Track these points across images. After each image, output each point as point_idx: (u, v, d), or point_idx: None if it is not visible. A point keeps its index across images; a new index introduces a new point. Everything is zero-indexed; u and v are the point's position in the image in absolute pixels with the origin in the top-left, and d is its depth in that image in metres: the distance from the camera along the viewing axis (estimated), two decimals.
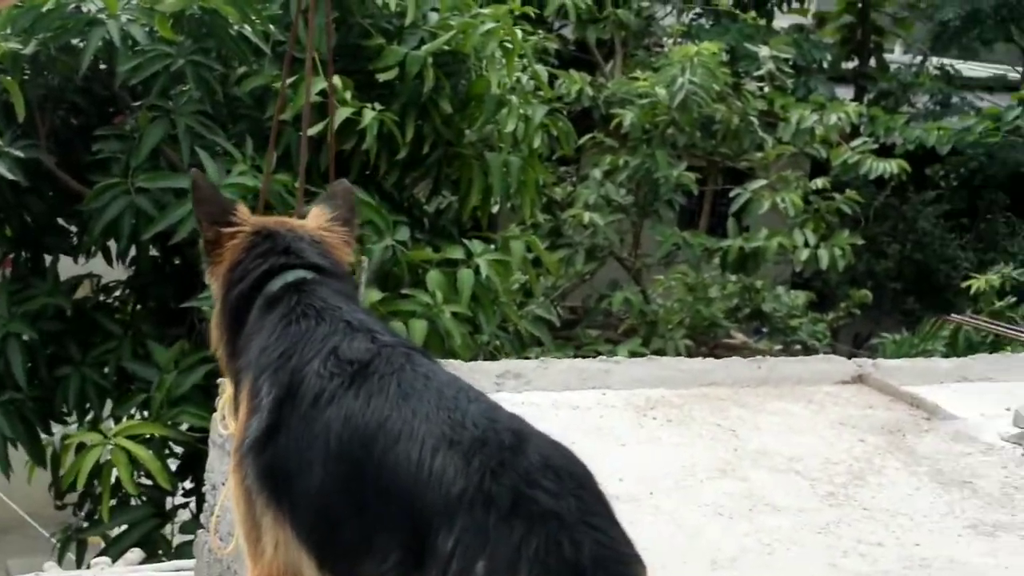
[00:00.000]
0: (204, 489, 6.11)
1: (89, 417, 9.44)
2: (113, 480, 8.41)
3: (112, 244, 9.47)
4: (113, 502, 8.88)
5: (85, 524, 9.31)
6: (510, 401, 5.94)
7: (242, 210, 3.70)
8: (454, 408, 2.96)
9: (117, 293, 10.25)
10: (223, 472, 5.70)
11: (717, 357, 12.31)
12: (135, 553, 7.73)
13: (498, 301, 9.42)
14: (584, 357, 11.27)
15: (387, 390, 3.02)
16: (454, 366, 6.17)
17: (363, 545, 2.90)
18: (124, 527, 9.00)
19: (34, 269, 9.71)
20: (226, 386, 5.61)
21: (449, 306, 8.68)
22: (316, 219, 3.78)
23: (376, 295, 8.51)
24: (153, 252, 9.72)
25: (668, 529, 4.88)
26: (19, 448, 9.30)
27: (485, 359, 9.38)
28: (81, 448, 8.48)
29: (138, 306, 10.12)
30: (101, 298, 10.14)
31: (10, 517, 12.95)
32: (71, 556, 9.44)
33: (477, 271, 9.01)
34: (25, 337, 9.07)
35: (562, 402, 6.03)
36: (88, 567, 7.88)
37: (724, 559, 4.70)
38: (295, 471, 3.06)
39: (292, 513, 3.08)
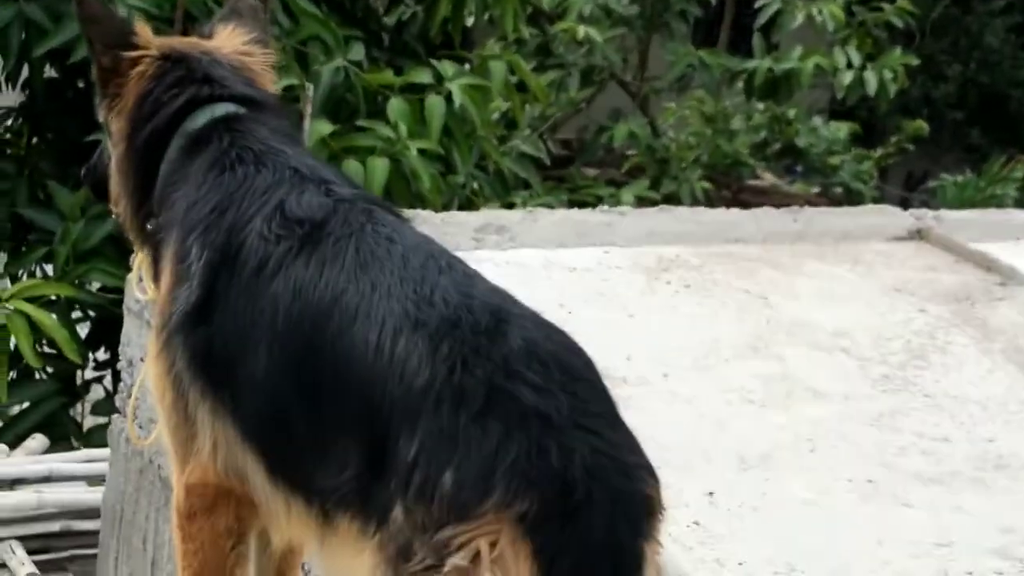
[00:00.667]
0: (120, 365, 6.00)
1: None
2: (12, 350, 8.28)
3: None
4: (12, 375, 8.78)
5: (3, 394, 9.17)
6: (492, 260, 5.84)
7: (143, 30, 3.47)
8: (421, 280, 2.81)
9: (8, 123, 10.03)
10: (142, 347, 5.59)
11: (742, 202, 12.26)
12: (37, 440, 7.62)
13: (475, 135, 9.25)
14: (580, 201, 11.19)
15: (343, 257, 2.87)
16: (424, 218, 6.05)
17: (318, 449, 2.78)
18: (25, 404, 8.88)
19: None
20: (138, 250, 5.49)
21: (415, 141, 8.51)
22: (229, 40, 3.57)
23: (326, 128, 8.33)
24: (50, 73, 9.49)
25: (687, 419, 4.79)
26: None
27: (460, 206, 9.25)
28: None
29: (34, 139, 9.92)
30: None
31: None
32: None
33: (449, 98, 8.83)
34: None
35: (555, 262, 5.91)
36: None
37: (754, 456, 4.61)
38: (236, 355, 2.92)
39: (235, 407, 2.95)
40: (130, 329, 5.84)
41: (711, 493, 4.35)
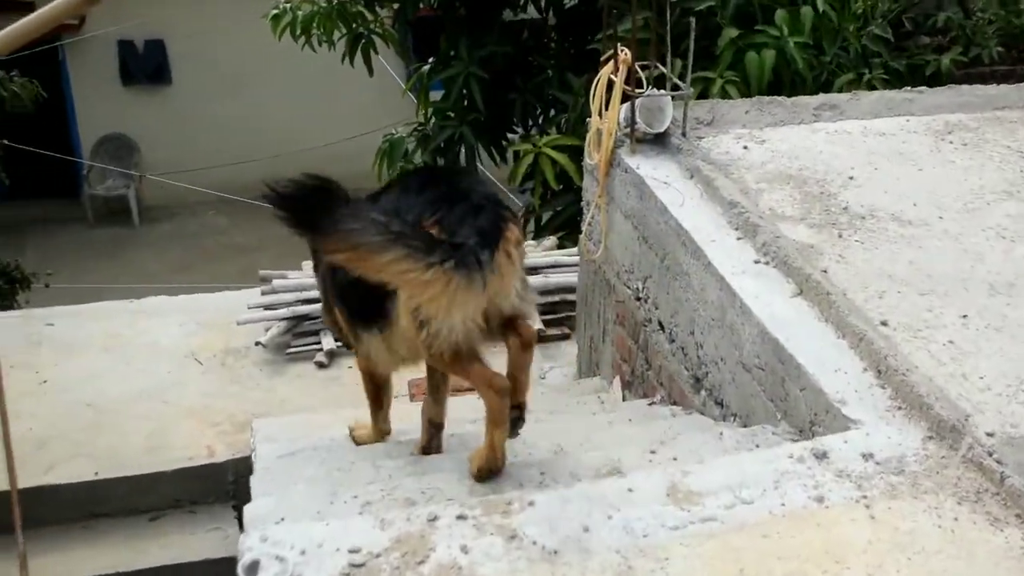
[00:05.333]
0: (582, 204, 5.32)
1: (532, 130, 8.86)
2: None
3: None
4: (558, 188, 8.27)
5: (537, 204, 8.66)
6: (825, 130, 4.87)
7: None
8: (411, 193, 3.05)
9: (551, 35, 9.37)
10: (593, 191, 4.91)
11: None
12: (550, 240, 7.05)
13: (835, 28, 8.04)
14: (914, 64, 9.73)
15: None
16: (779, 102, 5.10)
17: None
18: (558, 209, 8.32)
19: (485, 24, 8.91)
20: (592, 123, 4.79)
21: (794, 37, 7.43)
22: None
23: (733, 32, 7.35)
24: (572, 2, 8.79)
25: (953, 253, 3.76)
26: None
27: (828, 75, 8.12)
28: (518, 155, 7.93)
29: (565, 45, 9.22)
30: (532, 43, 9.31)
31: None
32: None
33: (815, 7, 7.66)
34: (481, 75, 8.46)
35: (871, 129, 4.86)
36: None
37: (1002, 284, 3.56)
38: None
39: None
40: (587, 181, 5.14)
41: (964, 316, 3.35)
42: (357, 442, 3.86)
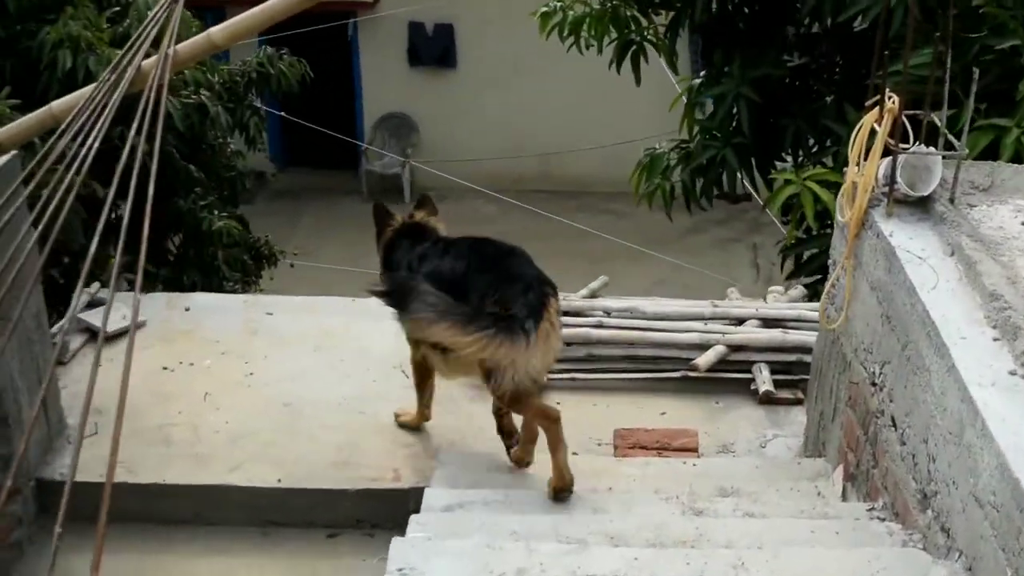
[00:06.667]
0: (828, 263, 4.77)
1: (802, 160, 8.22)
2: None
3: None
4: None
5: (791, 239, 8.02)
6: None
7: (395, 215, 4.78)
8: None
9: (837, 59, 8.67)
10: (840, 251, 4.38)
11: None
12: (798, 290, 6.46)
13: None
14: None
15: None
16: None
17: None
18: (817, 251, 7.67)
19: (764, 41, 8.32)
20: (848, 174, 4.35)
21: None
22: (421, 215, 4.75)
23: None
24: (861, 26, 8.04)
25: None
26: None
27: None
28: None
29: (849, 71, 8.51)
30: (814, 66, 8.63)
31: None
32: None
33: None
34: (752, 97, 7.90)
35: None
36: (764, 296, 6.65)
37: None
38: None
39: None
40: (836, 237, 4.59)
41: None
42: (400, 424, 4.95)
